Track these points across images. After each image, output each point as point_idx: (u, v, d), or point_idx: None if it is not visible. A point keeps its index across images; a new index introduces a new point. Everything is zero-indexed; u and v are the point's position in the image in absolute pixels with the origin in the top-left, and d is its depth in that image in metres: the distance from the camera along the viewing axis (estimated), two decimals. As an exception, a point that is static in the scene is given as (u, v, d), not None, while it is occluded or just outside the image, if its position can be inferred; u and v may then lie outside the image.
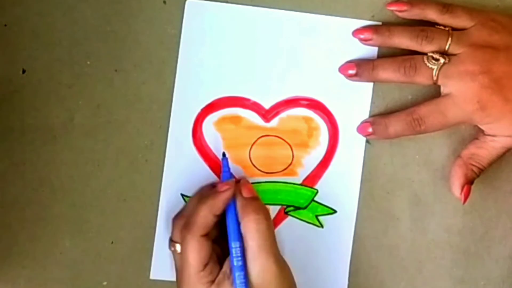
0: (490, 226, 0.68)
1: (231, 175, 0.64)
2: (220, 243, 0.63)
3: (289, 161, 0.67)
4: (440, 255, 0.68)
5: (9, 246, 0.66)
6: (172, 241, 0.64)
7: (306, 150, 0.67)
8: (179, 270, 0.62)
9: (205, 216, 0.61)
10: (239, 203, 0.62)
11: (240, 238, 0.61)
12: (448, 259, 0.68)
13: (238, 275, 0.59)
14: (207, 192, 0.64)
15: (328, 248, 0.67)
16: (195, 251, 0.60)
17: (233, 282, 0.60)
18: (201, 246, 0.60)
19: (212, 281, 0.61)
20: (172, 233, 0.64)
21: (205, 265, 0.60)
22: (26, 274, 0.66)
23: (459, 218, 0.68)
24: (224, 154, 0.65)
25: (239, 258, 0.60)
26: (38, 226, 0.66)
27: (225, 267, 0.61)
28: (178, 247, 0.62)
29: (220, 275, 0.61)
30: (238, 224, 0.61)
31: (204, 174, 0.66)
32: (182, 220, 0.63)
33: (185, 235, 0.61)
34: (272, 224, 0.62)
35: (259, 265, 0.60)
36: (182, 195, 0.66)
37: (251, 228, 0.60)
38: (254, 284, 0.60)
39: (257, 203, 0.63)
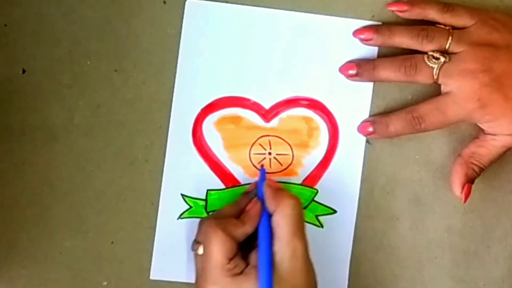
0: (490, 226, 0.68)
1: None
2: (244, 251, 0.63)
3: (289, 161, 0.67)
4: (440, 255, 0.68)
5: (9, 246, 0.65)
6: (196, 242, 0.62)
7: (306, 150, 0.67)
8: (202, 268, 0.61)
9: (230, 213, 0.63)
10: (269, 193, 0.63)
11: (269, 228, 0.62)
12: (448, 259, 0.68)
13: (265, 262, 0.60)
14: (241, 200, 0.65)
15: (328, 248, 0.67)
16: (220, 244, 0.60)
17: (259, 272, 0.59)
18: (226, 239, 0.60)
19: (238, 274, 0.60)
20: (197, 234, 0.63)
21: (230, 259, 0.60)
22: (26, 274, 0.66)
23: (459, 218, 0.68)
24: (262, 166, 0.66)
25: (267, 246, 0.61)
26: (38, 226, 0.66)
27: (252, 260, 0.61)
28: (201, 249, 0.61)
29: (249, 268, 0.60)
30: (266, 217, 0.62)
31: (204, 174, 0.66)
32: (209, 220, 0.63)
33: (209, 229, 0.61)
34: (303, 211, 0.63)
35: (291, 249, 0.60)
36: (182, 195, 0.66)
37: (286, 214, 0.61)
38: (284, 269, 0.60)
39: (287, 192, 0.64)
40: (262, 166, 0.66)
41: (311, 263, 0.61)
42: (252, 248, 0.62)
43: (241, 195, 0.66)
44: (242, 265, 0.61)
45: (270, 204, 0.62)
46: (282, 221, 0.61)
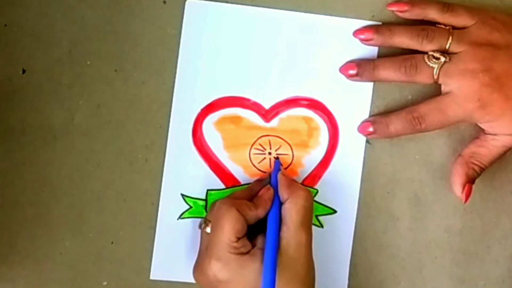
0: (490, 226, 0.68)
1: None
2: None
3: (289, 161, 0.67)
4: (440, 255, 0.68)
5: (9, 246, 0.65)
6: (205, 220, 0.63)
7: (306, 150, 0.67)
8: (207, 245, 0.62)
9: (243, 196, 0.64)
10: (284, 182, 0.64)
11: (279, 216, 0.63)
12: (448, 259, 0.68)
13: (271, 246, 0.60)
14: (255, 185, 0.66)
15: (328, 248, 0.67)
16: (232, 222, 0.61)
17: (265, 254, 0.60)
18: (239, 218, 0.61)
19: (244, 253, 0.61)
20: (208, 213, 0.64)
21: (239, 239, 0.61)
22: (26, 274, 0.66)
23: (459, 218, 0.68)
24: (277, 157, 0.67)
25: (275, 232, 0.61)
26: (38, 226, 0.66)
27: (259, 243, 0.62)
28: (209, 228, 0.63)
29: (255, 249, 0.61)
30: (277, 204, 0.63)
31: (204, 174, 0.66)
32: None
33: (223, 207, 0.62)
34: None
35: (298, 238, 0.61)
36: (182, 195, 0.66)
37: (297, 203, 0.62)
38: (288, 256, 0.61)
39: (300, 184, 0.66)
40: (276, 157, 0.67)
41: (312, 258, 0.62)
42: (257, 234, 0.63)
43: (254, 182, 0.67)
44: (248, 246, 0.62)
45: (283, 192, 0.63)
46: (293, 210, 0.62)
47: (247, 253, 0.61)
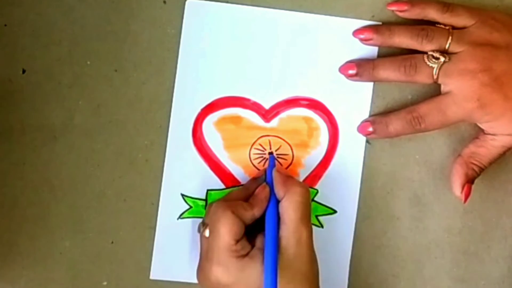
0: (490, 226, 0.68)
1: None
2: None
3: (289, 161, 0.67)
4: (440, 255, 0.68)
5: (9, 246, 0.65)
6: (203, 224, 0.63)
7: (306, 150, 0.67)
8: (207, 249, 0.62)
9: (239, 196, 0.64)
10: (279, 179, 0.63)
11: (277, 214, 0.62)
12: (448, 259, 0.68)
13: (271, 246, 0.60)
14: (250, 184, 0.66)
15: (328, 248, 0.67)
16: (228, 225, 0.60)
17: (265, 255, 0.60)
18: (234, 221, 0.60)
19: (244, 256, 0.61)
20: (205, 216, 0.64)
21: (237, 241, 0.60)
22: (26, 274, 0.66)
23: (459, 218, 0.68)
24: (271, 152, 0.67)
25: (274, 231, 0.61)
26: (38, 226, 0.66)
27: (258, 243, 0.62)
28: (207, 232, 0.62)
29: (254, 250, 0.61)
30: (274, 202, 0.63)
31: (204, 174, 0.66)
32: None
33: (218, 210, 0.61)
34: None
35: (297, 236, 0.61)
36: (182, 195, 0.66)
37: (294, 200, 0.61)
38: (289, 255, 0.60)
39: (297, 179, 0.65)
40: (271, 153, 0.67)
41: (314, 252, 0.62)
42: (257, 233, 0.63)
43: (249, 180, 0.66)
44: (247, 247, 0.61)
45: (279, 190, 0.63)
46: (290, 207, 0.61)
47: (247, 254, 0.61)
